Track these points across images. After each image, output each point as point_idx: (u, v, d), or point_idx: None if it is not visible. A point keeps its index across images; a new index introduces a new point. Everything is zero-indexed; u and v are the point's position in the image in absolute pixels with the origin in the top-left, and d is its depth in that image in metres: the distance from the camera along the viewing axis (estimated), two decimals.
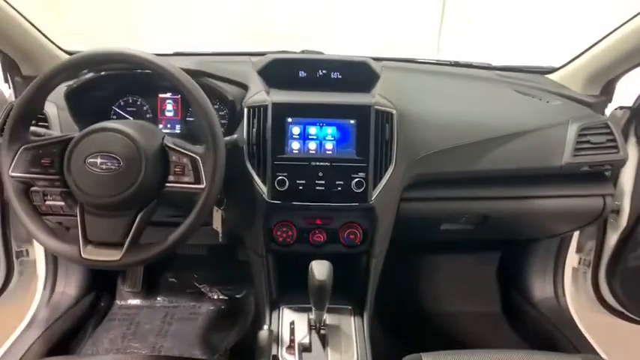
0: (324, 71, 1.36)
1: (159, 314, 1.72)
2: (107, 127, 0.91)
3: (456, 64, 1.55)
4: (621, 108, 1.43)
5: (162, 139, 0.95)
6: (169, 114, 1.30)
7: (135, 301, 1.77)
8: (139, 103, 1.29)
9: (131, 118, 1.28)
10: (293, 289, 1.22)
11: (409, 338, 1.21)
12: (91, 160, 0.89)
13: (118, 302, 1.76)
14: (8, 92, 1.42)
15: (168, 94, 1.29)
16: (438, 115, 1.25)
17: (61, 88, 1.11)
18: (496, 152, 1.23)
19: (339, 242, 1.18)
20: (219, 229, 1.16)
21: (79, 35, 2.85)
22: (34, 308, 1.56)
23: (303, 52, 1.57)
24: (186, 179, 0.92)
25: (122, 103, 1.29)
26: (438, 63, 1.59)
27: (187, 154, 0.93)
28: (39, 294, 1.59)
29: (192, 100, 0.92)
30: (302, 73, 1.36)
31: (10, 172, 0.92)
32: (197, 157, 0.92)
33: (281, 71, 1.31)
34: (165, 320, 1.69)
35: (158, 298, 1.79)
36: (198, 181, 0.92)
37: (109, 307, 1.73)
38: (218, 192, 0.93)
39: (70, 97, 1.14)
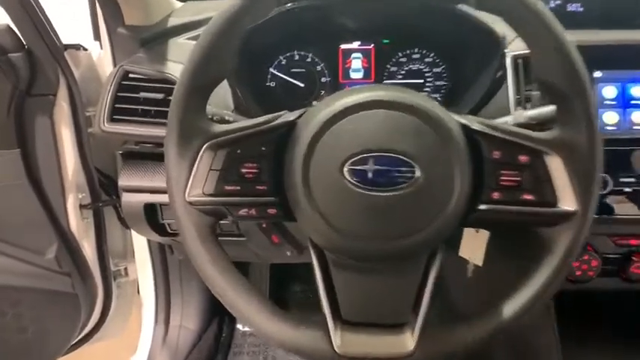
0: (557, 2, 0.89)
1: None
2: (381, 100, 0.45)
3: None
4: None
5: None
6: (356, 75, 0.84)
7: None
8: (309, 60, 0.83)
9: (300, 84, 0.83)
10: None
11: None
12: (354, 167, 0.44)
13: (240, 328, 1.36)
14: (97, 54, 0.98)
15: (355, 44, 0.83)
16: None
17: None
18: None
19: None
20: (478, 259, 0.72)
21: None
22: (147, 347, 1.17)
23: None
24: (527, 196, 0.47)
25: (283, 62, 0.83)
26: None
27: (530, 147, 0.47)
28: (149, 328, 1.20)
29: (556, 47, 0.45)
30: None
31: (187, 194, 0.48)
32: (552, 153, 0.47)
33: None
34: None
35: None
36: (554, 198, 0.47)
37: (231, 336, 1.33)
38: (592, 217, 0.48)
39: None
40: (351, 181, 0.44)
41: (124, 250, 1.21)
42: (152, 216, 0.82)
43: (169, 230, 0.85)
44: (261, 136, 0.49)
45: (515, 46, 0.71)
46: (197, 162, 0.48)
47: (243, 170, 0.48)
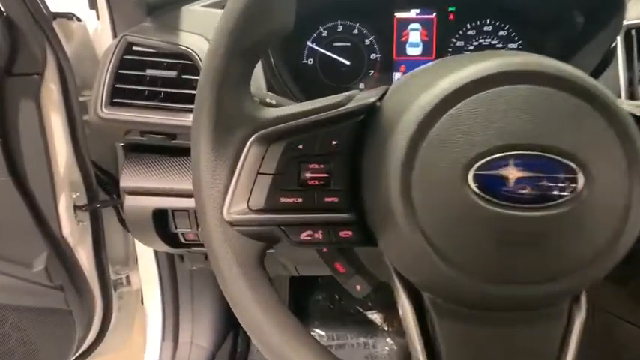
0: None
1: None
2: (530, 71, 0.30)
3: None
4: None
5: None
6: (414, 51, 0.68)
7: None
8: (355, 32, 0.68)
9: (344, 62, 0.68)
10: None
11: None
12: (486, 172, 0.29)
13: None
14: (93, 27, 0.82)
15: (413, 12, 0.67)
16: None
17: None
18: None
19: None
20: None
21: None
22: None
23: None
24: None
25: (324, 34, 0.68)
26: None
27: None
28: (155, 345, 1.06)
29: None
30: None
31: (225, 210, 0.32)
32: None
33: None
34: None
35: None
36: None
37: (246, 352, 1.19)
38: None
39: None
40: (480, 193, 0.29)
41: (125, 255, 1.07)
42: (162, 224, 0.67)
43: (183, 241, 0.70)
44: (330, 125, 0.33)
45: (628, 14, 0.56)
46: (241, 162, 0.33)
47: (307, 175, 0.33)
